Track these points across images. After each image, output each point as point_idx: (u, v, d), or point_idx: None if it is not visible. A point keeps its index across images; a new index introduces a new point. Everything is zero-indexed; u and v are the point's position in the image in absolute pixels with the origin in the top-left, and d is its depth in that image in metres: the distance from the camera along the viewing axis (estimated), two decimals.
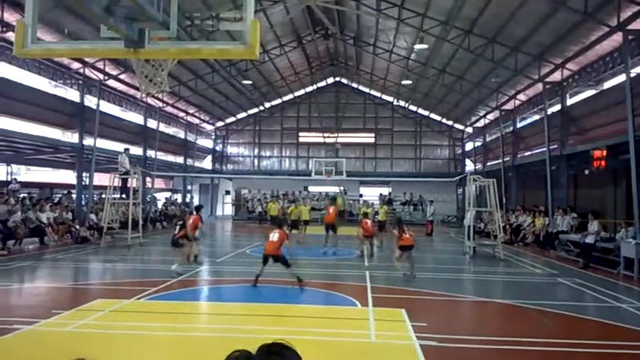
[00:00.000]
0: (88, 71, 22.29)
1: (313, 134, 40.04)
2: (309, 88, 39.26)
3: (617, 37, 15.43)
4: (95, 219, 19.92)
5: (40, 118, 20.74)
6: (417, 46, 22.75)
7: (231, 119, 40.55)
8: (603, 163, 16.70)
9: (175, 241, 12.09)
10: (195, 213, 13.89)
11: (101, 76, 22.96)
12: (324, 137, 39.42)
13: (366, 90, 39.05)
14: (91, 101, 22.63)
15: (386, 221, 19.85)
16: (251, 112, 40.06)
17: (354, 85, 39.21)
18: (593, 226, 15.14)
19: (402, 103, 37.76)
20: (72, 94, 22.62)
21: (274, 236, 10.32)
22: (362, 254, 15.68)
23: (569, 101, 21.34)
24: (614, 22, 14.88)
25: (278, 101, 39.65)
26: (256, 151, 41.23)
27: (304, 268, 13.11)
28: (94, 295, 9.26)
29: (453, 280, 12.39)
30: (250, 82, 31.02)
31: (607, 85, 18.75)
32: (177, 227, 12.22)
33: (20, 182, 22.92)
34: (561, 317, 8.26)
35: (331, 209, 17.56)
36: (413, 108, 38.36)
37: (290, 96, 39.43)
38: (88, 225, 19.41)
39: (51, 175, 30.66)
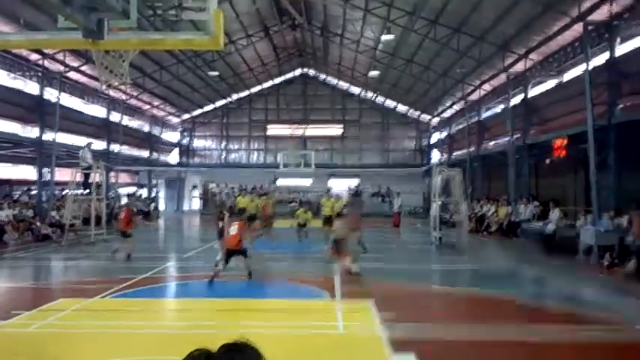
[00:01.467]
0: (47, 63, 21.57)
1: (281, 126, 39.85)
2: (277, 80, 39.00)
3: (578, 28, 15.84)
4: (57, 216, 19.37)
5: None
6: (384, 37, 22.84)
7: (198, 111, 39.94)
8: (564, 152, 17.16)
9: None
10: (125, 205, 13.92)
11: (61, 68, 22.27)
12: (292, 129, 39.29)
13: (334, 81, 39.05)
14: (51, 94, 21.93)
15: (331, 216, 17.25)
16: (218, 104, 39.54)
17: (322, 76, 39.15)
18: (555, 213, 15.59)
19: (369, 94, 37.96)
20: (31, 87, 21.85)
21: (233, 229, 10.15)
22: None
23: (532, 92, 21.80)
24: (575, 13, 15.28)
25: (246, 93, 39.23)
26: (224, 144, 40.79)
27: (276, 261, 13.11)
28: (56, 295, 9.03)
29: (419, 270, 12.56)
30: (217, 74, 30.57)
31: (567, 76, 19.23)
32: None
33: None
34: (523, 304, 8.47)
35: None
36: (380, 99, 38.59)
37: (258, 87, 39.06)
38: (49, 222, 18.85)
39: (10, 171, 29.58)
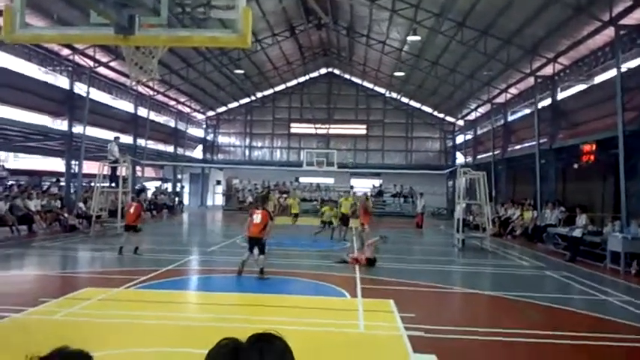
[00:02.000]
0: (77, 58, 22.03)
1: (305, 125, 39.95)
2: (302, 79, 39.13)
3: (609, 32, 15.50)
4: (84, 207, 19.78)
5: (29, 104, 20.47)
6: (410, 38, 22.71)
7: (223, 109, 40.35)
8: (592, 157, 16.82)
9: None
10: (136, 199, 13.77)
11: (91, 63, 22.71)
12: (315, 128, 39.36)
13: (359, 81, 38.97)
14: (80, 89, 22.40)
15: (348, 214, 18.10)
16: (242, 101, 39.86)
17: (347, 76, 39.11)
18: (581, 219, 15.30)
19: (394, 94, 37.78)
20: (61, 81, 22.36)
21: (257, 218, 10.14)
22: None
23: (560, 95, 21.45)
24: (606, 17, 14.94)
25: (270, 91, 39.47)
26: (247, 141, 41.08)
27: (294, 259, 13.18)
28: (82, 284, 9.22)
29: (441, 271, 12.47)
30: (242, 72, 30.83)
31: (598, 79, 18.86)
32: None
33: (8, 170, 22.72)
34: (548, 309, 8.34)
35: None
36: (405, 100, 38.37)
37: (282, 86, 39.26)
38: (76, 213, 19.27)
39: (40, 162, 30.35)
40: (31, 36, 4.50)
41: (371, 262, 11.95)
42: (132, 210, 13.01)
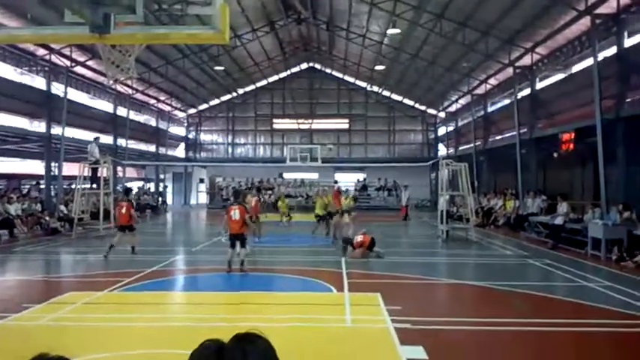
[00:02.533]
0: (54, 58, 21.68)
1: (287, 120, 39.87)
2: (283, 74, 39.01)
3: (586, 21, 15.72)
4: (65, 210, 19.51)
5: (6, 107, 20.08)
6: (390, 31, 22.77)
7: (204, 106, 40.08)
8: (572, 146, 17.06)
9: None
10: (126, 199, 13.64)
11: (68, 63, 22.34)
12: (298, 123, 39.30)
13: (340, 75, 38.98)
14: (58, 89, 22.06)
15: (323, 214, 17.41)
16: (224, 98, 39.62)
17: (328, 70, 39.07)
18: (562, 207, 15.54)
19: (375, 88, 37.88)
20: (38, 82, 21.99)
21: (235, 214, 10.17)
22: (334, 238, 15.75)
23: (539, 85, 21.70)
24: (582, 6, 15.14)
25: (251, 87, 39.28)
26: (230, 138, 40.86)
27: (282, 255, 13.17)
28: (66, 288, 9.09)
29: (427, 263, 12.57)
30: (222, 68, 30.62)
31: (575, 68, 19.11)
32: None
33: None
34: (532, 297, 8.46)
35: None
36: (386, 93, 38.49)
37: (263, 82, 39.09)
38: (58, 216, 18.99)
39: (18, 165, 29.82)
40: (5, 36, 4.42)
41: (372, 246, 12.47)
42: (124, 210, 12.86)
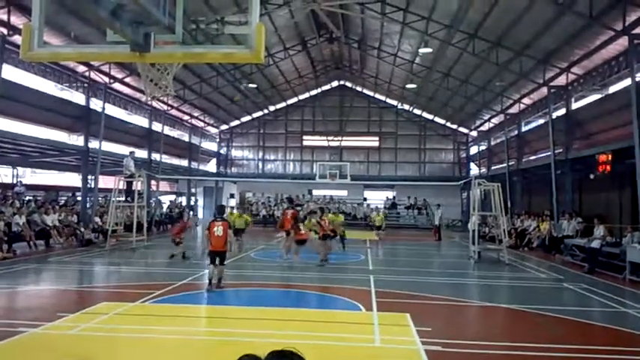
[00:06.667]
0: (93, 74, 22.38)
1: (317, 138, 40.07)
2: (314, 92, 39.34)
3: (623, 42, 15.39)
4: (100, 222, 19.96)
5: (46, 121, 20.82)
6: (422, 50, 22.74)
7: (236, 122, 40.68)
8: (608, 167, 16.62)
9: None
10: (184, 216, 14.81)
11: (107, 80, 23.05)
12: (328, 141, 39.45)
13: (371, 93, 39.07)
14: (96, 104, 22.71)
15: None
16: (255, 115, 40.15)
17: (359, 88, 39.22)
18: (599, 230, 15.08)
19: (406, 106, 37.78)
20: (77, 97, 22.71)
21: (219, 230, 10.04)
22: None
23: (574, 105, 21.27)
24: (619, 27, 14.82)
25: (282, 104, 39.72)
26: (260, 154, 41.27)
27: (309, 272, 13.14)
28: (98, 298, 9.27)
29: (457, 284, 12.34)
30: (255, 86, 31.07)
31: (612, 89, 18.69)
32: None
33: (25, 185, 23.01)
34: (567, 322, 8.20)
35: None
36: (417, 112, 38.33)
37: (294, 99, 39.48)
38: (92, 228, 19.45)
39: (56, 177, 30.79)
40: (49, 54, 4.58)
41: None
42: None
